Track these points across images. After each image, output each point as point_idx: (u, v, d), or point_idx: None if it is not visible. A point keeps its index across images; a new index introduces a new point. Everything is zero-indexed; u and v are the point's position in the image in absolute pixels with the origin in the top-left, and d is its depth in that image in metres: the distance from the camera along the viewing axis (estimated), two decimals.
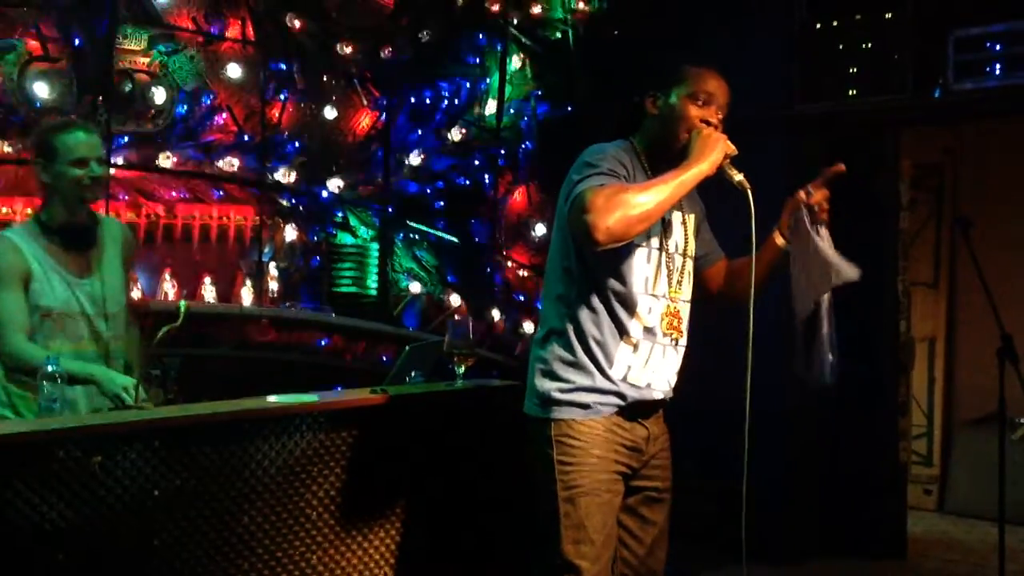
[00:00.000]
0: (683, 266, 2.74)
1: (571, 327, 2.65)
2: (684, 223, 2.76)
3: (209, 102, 5.52)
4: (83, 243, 3.26)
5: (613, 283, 2.61)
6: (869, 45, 5.18)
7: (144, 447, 2.52)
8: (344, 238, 6.06)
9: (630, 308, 2.62)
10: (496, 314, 6.35)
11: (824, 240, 2.75)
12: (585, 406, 2.62)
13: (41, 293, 3.16)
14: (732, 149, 2.58)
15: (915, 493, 6.30)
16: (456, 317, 3.21)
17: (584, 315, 2.63)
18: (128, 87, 5.16)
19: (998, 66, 4.82)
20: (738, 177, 2.60)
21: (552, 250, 2.74)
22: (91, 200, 3.26)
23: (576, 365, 2.63)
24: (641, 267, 2.63)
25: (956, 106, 5.06)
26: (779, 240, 2.78)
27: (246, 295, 5.55)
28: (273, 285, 5.70)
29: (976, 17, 4.88)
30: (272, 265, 5.72)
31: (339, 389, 3.49)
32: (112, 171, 4.90)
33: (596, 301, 2.63)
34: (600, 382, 2.62)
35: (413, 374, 3.41)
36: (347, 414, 2.94)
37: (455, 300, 6.27)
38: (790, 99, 5.38)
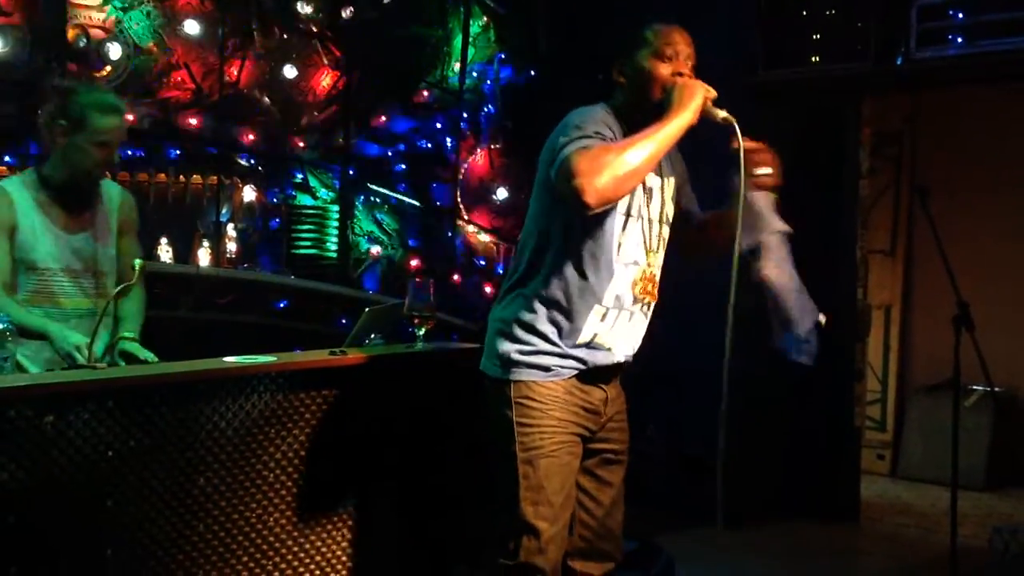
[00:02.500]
0: (660, 231, 2.72)
1: (539, 291, 2.62)
2: (663, 188, 2.73)
3: (166, 59, 5.43)
4: (80, 203, 3.26)
5: (590, 250, 2.58)
6: (833, 12, 5.18)
7: (97, 407, 2.48)
8: (304, 199, 6.01)
9: (604, 276, 2.60)
10: (457, 277, 6.33)
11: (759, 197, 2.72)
12: (546, 368, 2.61)
13: (28, 246, 3.15)
14: (711, 92, 2.56)
15: (868, 458, 6.38)
16: (416, 280, 3.18)
17: (554, 281, 2.61)
18: (83, 43, 5.06)
19: (960, 34, 4.83)
20: (722, 114, 2.57)
21: (530, 212, 2.71)
22: (98, 178, 3.26)
23: (537, 329, 2.61)
24: (618, 234, 2.60)
25: (918, 74, 5.08)
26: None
27: (203, 256, 5.50)
28: (231, 246, 5.65)
29: None
30: (230, 226, 5.66)
31: (298, 351, 3.46)
32: None
33: (569, 267, 2.60)
34: (563, 346, 2.61)
35: (373, 336, 3.38)
36: (305, 376, 2.92)
37: (415, 263, 6.25)
38: (753, 66, 5.38)
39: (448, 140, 6.63)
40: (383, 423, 3.11)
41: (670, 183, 2.77)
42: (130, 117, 5.29)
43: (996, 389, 5.53)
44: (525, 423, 2.60)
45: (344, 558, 3.04)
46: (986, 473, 6.19)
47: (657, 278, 2.73)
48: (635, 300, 2.67)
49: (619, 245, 2.60)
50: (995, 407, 6.15)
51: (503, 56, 6.71)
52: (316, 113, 6.06)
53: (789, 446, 5.58)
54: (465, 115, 6.62)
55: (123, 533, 2.54)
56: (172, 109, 5.48)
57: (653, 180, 2.67)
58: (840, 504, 5.56)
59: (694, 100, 2.51)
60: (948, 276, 4.05)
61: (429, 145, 6.61)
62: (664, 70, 2.60)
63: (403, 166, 6.46)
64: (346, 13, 6.10)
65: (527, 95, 6.54)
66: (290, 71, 5.87)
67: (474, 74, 6.69)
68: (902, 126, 6.68)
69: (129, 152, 5.37)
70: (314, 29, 5.99)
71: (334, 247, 5.99)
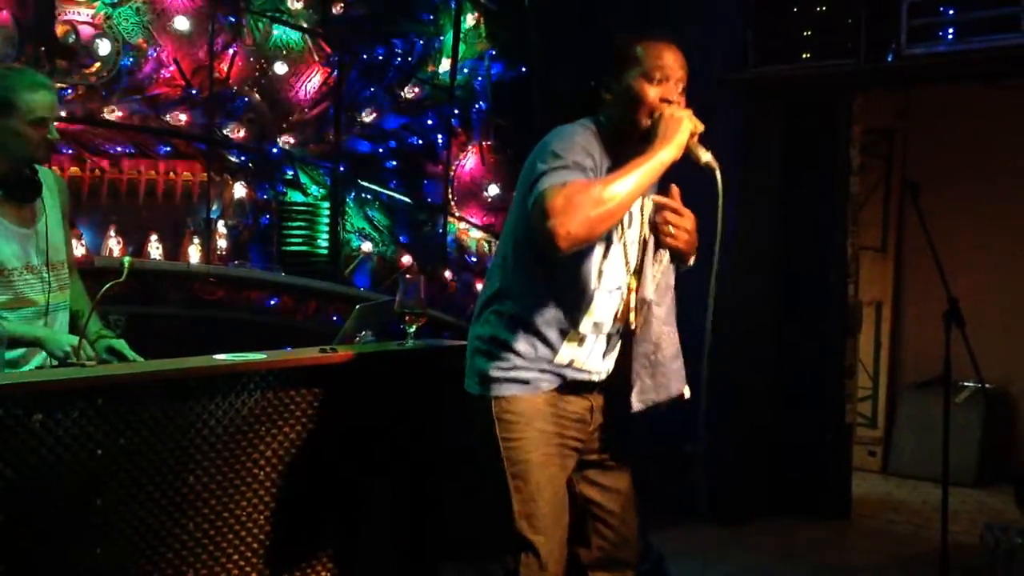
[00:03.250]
0: (643, 254, 2.64)
1: (515, 313, 2.57)
2: (643, 208, 2.63)
3: (156, 55, 5.41)
4: (27, 194, 3.10)
5: (566, 278, 2.52)
6: (823, 8, 5.17)
7: (87, 405, 2.47)
8: (294, 196, 6.00)
9: (583, 305, 2.55)
10: (448, 275, 6.32)
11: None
12: (524, 382, 2.57)
13: None
14: (699, 126, 2.47)
15: (860, 454, 6.39)
16: (407, 277, 3.17)
17: (530, 305, 2.56)
18: (71, 38, 5.04)
19: (951, 31, 4.83)
20: (706, 157, 2.48)
21: (508, 228, 2.64)
22: (41, 161, 3.10)
23: (514, 348, 2.56)
24: (597, 262, 2.53)
25: (908, 71, 5.07)
26: None
27: (194, 253, 5.48)
28: (222, 243, 5.64)
29: None
30: (220, 223, 5.64)
31: (288, 348, 3.45)
32: (56, 124, 4.78)
33: (546, 294, 2.54)
34: (542, 365, 2.57)
35: (363, 333, 3.37)
36: (296, 373, 2.91)
37: (407, 260, 6.24)
38: (745, 62, 5.37)
39: (439, 137, 6.62)
40: (373, 421, 3.10)
41: (649, 201, 2.66)
42: (119, 113, 5.30)
43: (987, 385, 5.55)
44: (509, 438, 2.56)
45: (333, 556, 3.03)
46: (977, 469, 6.20)
47: (643, 301, 2.64)
48: (617, 328, 2.63)
49: (600, 273, 2.55)
50: (986, 403, 6.16)
51: (494, 52, 6.70)
52: (307, 109, 6.05)
53: (780, 443, 5.59)
54: (456, 111, 6.61)
55: (113, 531, 2.53)
56: (162, 105, 5.47)
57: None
58: (831, 500, 5.56)
59: (679, 135, 2.42)
60: (939, 272, 4.05)
61: (420, 142, 6.61)
62: (652, 94, 2.49)
63: (394, 163, 6.46)
64: (336, 9, 6.09)
65: (518, 91, 6.54)
66: (280, 67, 5.85)
67: (465, 70, 6.68)
68: (893, 123, 6.68)
69: (119, 148, 5.36)
70: (304, 25, 5.97)
71: (325, 244, 5.98)
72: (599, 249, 2.52)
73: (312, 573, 2.98)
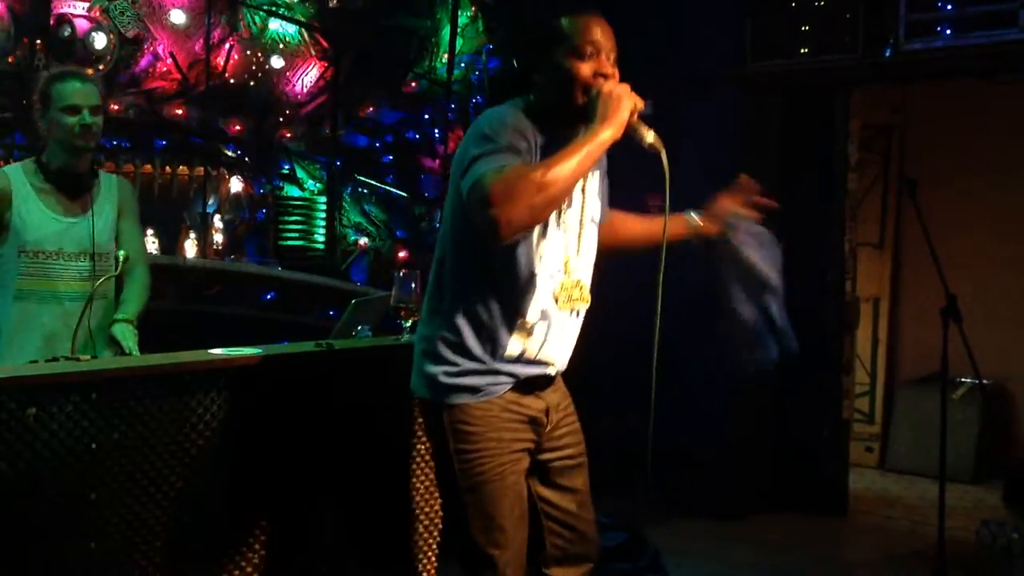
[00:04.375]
0: (582, 233, 2.54)
1: (459, 309, 2.45)
2: (584, 188, 2.53)
3: (151, 49, 5.40)
4: (77, 188, 3.30)
5: (508, 264, 2.41)
6: (821, 3, 5.17)
7: (81, 399, 2.46)
8: (291, 191, 5.99)
9: (526, 291, 2.43)
10: None
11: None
12: (475, 389, 2.44)
13: (20, 228, 3.21)
14: (640, 103, 2.34)
15: (857, 450, 6.39)
16: (403, 272, 3.16)
17: (473, 298, 2.44)
18: (67, 32, 5.03)
19: (948, 26, 4.83)
20: (650, 138, 2.37)
21: (444, 225, 2.53)
22: (84, 148, 3.26)
23: (462, 348, 2.44)
24: (538, 245, 2.42)
25: (906, 66, 5.07)
26: (695, 224, 2.75)
27: (190, 247, 5.47)
28: (218, 237, 5.63)
29: None
30: (217, 217, 5.63)
31: (284, 343, 3.44)
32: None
33: (488, 283, 2.43)
34: (489, 364, 2.45)
35: (360, 328, 3.37)
36: (292, 368, 2.90)
37: (403, 255, 6.23)
38: (743, 57, 5.36)
39: (436, 131, 6.61)
40: (370, 415, 3.09)
41: (594, 178, 2.58)
42: (115, 107, 5.28)
43: (984, 382, 5.54)
44: (464, 449, 2.44)
45: (330, 548, 3.02)
46: (974, 466, 6.20)
47: (585, 282, 2.56)
48: (560, 310, 2.50)
49: (540, 257, 2.43)
50: (983, 400, 6.16)
51: (491, 47, 6.68)
52: (303, 104, 6.04)
53: (777, 438, 5.59)
54: (453, 106, 6.60)
55: (107, 526, 2.52)
56: (158, 99, 5.46)
57: None
58: (828, 496, 5.56)
59: (620, 113, 2.30)
60: (936, 269, 4.05)
61: (417, 136, 6.60)
62: (585, 70, 2.37)
63: (391, 157, 6.45)
64: (333, 3, 6.08)
65: (515, 85, 6.51)
66: (277, 61, 5.84)
67: (462, 65, 6.67)
68: (891, 118, 6.67)
69: (115, 142, 5.34)
70: (301, 19, 5.96)
71: (321, 238, 5.97)
72: (537, 231, 2.40)
73: (312, 566, 2.97)
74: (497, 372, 2.46)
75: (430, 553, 3.26)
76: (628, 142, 2.37)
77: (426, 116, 6.61)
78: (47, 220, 3.24)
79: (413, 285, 3.14)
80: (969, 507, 5.67)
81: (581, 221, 2.53)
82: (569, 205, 2.48)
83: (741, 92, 5.44)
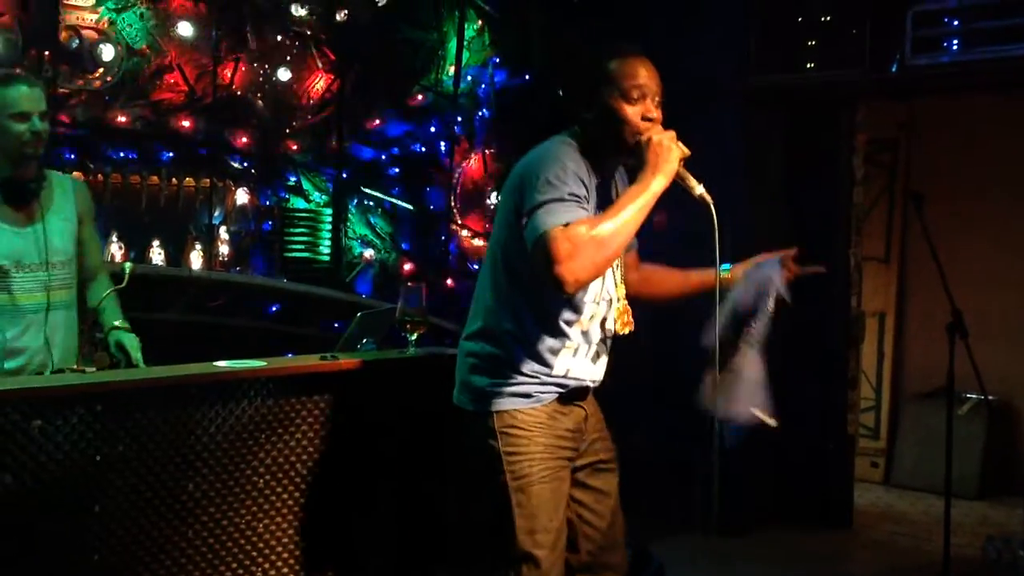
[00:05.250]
0: (620, 262, 2.69)
1: (508, 327, 2.58)
2: None
3: (159, 61, 5.41)
4: (25, 195, 3.17)
5: (558, 296, 2.49)
6: (827, 18, 5.17)
7: (86, 411, 2.46)
8: (297, 202, 5.99)
9: (574, 317, 2.58)
10: (450, 282, 6.31)
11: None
12: (527, 395, 2.57)
13: None
14: (685, 151, 2.46)
15: (862, 465, 6.37)
16: (409, 284, 3.16)
17: (524, 318, 2.57)
18: (75, 43, 5.05)
19: (955, 41, 4.83)
20: (699, 190, 2.48)
21: (497, 240, 2.64)
22: (32, 155, 3.13)
23: (511, 365, 2.58)
24: None
25: (912, 81, 5.07)
26: (725, 278, 2.79)
27: (196, 259, 5.47)
28: (223, 249, 5.63)
29: None
30: (222, 229, 5.64)
31: (289, 355, 3.44)
32: (59, 129, 4.80)
33: (540, 306, 2.56)
34: (540, 377, 2.58)
35: (365, 341, 3.37)
36: (296, 381, 2.90)
37: (409, 268, 6.24)
38: (747, 71, 5.36)
39: (442, 144, 6.61)
40: (374, 429, 3.09)
41: None
42: (123, 118, 5.29)
43: (990, 397, 5.52)
44: (512, 452, 2.55)
45: (333, 564, 3.01)
46: (979, 482, 6.17)
47: (628, 307, 2.71)
48: (604, 335, 2.66)
49: (592, 287, 2.56)
50: (989, 415, 6.13)
51: (498, 60, 6.69)
52: (310, 116, 6.05)
53: (782, 453, 5.56)
54: (459, 119, 6.60)
55: (111, 538, 2.53)
56: (165, 111, 5.46)
57: None
58: (833, 512, 5.54)
59: (669, 164, 2.41)
60: (942, 283, 4.04)
61: (423, 149, 6.60)
62: (633, 114, 2.48)
63: (397, 170, 6.45)
64: (340, 15, 6.09)
65: (522, 98, 6.52)
66: (284, 73, 5.85)
67: (468, 78, 6.67)
68: (897, 133, 6.67)
69: (122, 154, 5.35)
70: (308, 32, 5.97)
71: (327, 251, 5.97)
72: None
73: None
74: (544, 383, 2.59)
75: (434, 565, 3.25)
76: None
77: (432, 129, 6.61)
78: (2, 234, 3.12)
79: (419, 298, 3.14)
80: (974, 523, 5.64)
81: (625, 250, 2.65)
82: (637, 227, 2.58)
83: (746, 106, 5.44)
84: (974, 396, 6.06)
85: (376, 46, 6.28)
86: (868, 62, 5.04)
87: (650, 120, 2.49)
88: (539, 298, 2.55)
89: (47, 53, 4.91)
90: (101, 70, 5.17)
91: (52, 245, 3.19)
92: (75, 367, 3.04)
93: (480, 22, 6.68)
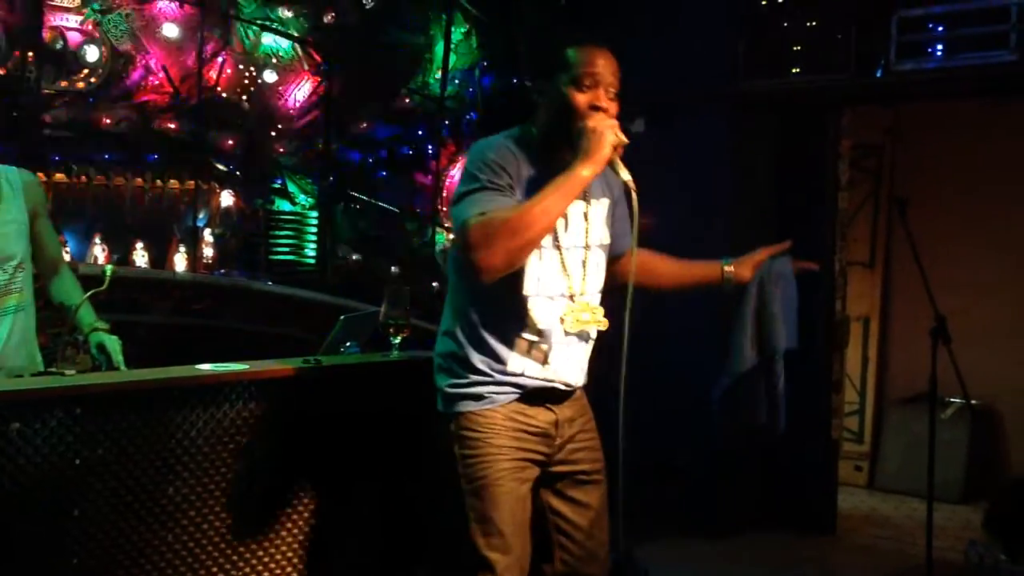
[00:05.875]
0: (585, 259, 2.60)
1: (463, 328, 2.58)
2: (586, 214, 2.60)
3: (144, 62, 5.40)
4: None
5: (502, 287, 2.45)
6: (813, 23, 5.18)
7: (65, 414, 2.44)
8: (282, 205, 5.98)
9: (520, 313, 2.52)
10: (435, 285, 6.31)
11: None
12: (479, 397, 2.55)
13: None
14: (622, 139, 2.41)
15: (846, 469, 6.38)
16: (393, 287, 3.15)
17: (475, 318, 2.55)
18: (59, 44, 5.03)
19: (940, 47, 4.85)
20: (625, 176, 2.43)
21: (452, 244, 2.64)
22: None
23: (468, 364, 2.56)
24: (533, 268, 2.50)
25: (898, 87, 5.09)
26: (728, 271, 2.83)
27: (180, 261, 5.46)
28: (208, 251, 5.61)
29: None
30: (207, 231, 5.62)
31: (273, 358, 3.43)
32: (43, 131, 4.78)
33: (486, 305, 2.53)
34: (496, 376, 2.54)
35: (348, 344, 3.35)
36: (279, 384, 2.88)
37: (394, 270, 6.23)
38: (735, 76, 5.38)
39: (429, 147, 6.61)
40: (357, 431, 3.08)
41: (600, 205, 2.65)
42: (107, 120, 5.28)
43: (973, 402, 5.53)
44: (466, 454, 2.54)
45: (315, 566, 3.00)
46: (963, 486, 6.19)
47: (596, 306, 2.62)
48: (566, 333, 2.57)
49: (538, 279, 2.51)
50: (972, 420, 6.16)
51: (485, 63, 6.69)
52: (296, 119, 6.04)
53: (766, 457, 5.58)
54: (447, 122, 6.60)
55: (90, 542, 2.50)
56: (150, 113, 5.45)
57: (572, 206, 2.50)
58: (817, 515, 5.55)
59: (602, 150, 2.37)
60: (926, 289, 4.05)
61: (410, 152, 6.59)
62: (582, 101, 2.46)
63: (384, 173, 6.44)
64: (327, 18, 6.08)
65: (509, 101, 6.53)
66: (270, 76, 5.84)
67: (456, 81, 6.67)
68: (882, 138, 6.69)
69: (106, 155, 5.33)
70: (295, 34, 5.96)
71: (312, 254, 5.97)
72: (534, 253, 2.47)
73: None
74: (501, 383, 2.55)
75: (414, 567, 3.24)
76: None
77: (419, 132, 6.61)
78: None
79: (403, 300, 3.13)
80: (957, 527, 5.66)
81: (586, 245, 2.60)
82: (567, 229, 2.55)
83: (733, 110, 5.45)
84: (957, 400, 6.08)
85: (363, 49, 6.28)
86: (854, 67, 5.06)
87: (599, 109, 2.45)
88: (485, 295, 2.51)
89: (31, 54, 4.89)
90: (86, 71, 5.15)
91: (2, 246, 3.00)
92: (53, 369, 3.01)
93: (467, 25, 6.68)
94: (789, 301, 2.90)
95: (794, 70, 5.27)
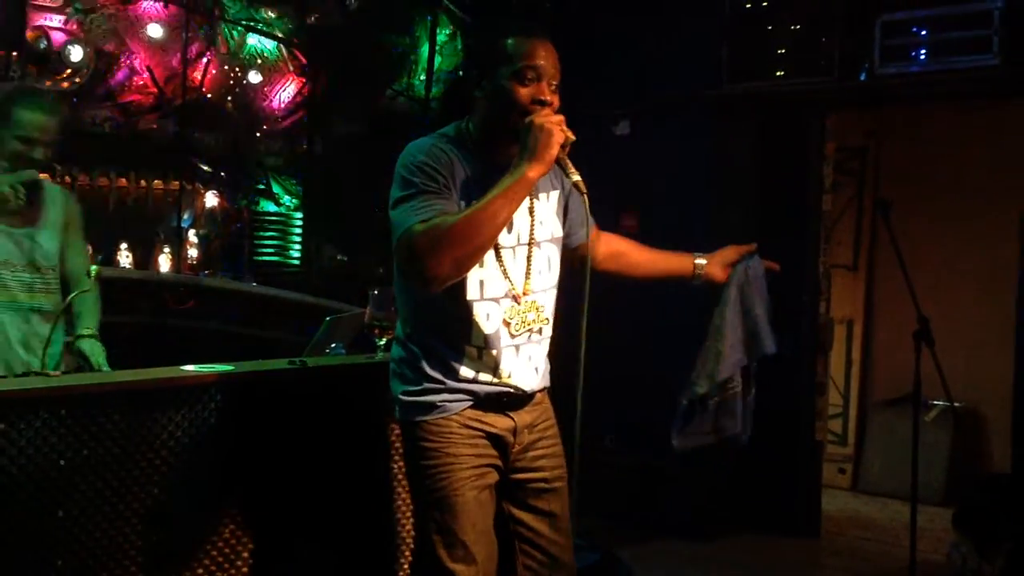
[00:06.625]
0: (530, 255, 2.51)
1: (411, 335, 2.51)
2: (532, 209, 2.51)
3: (128, 62, 5.38)
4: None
5: (444, 294, 2.37)
6: (798, 27, 5.20)
7: (50, 415, 2.43)
8: (267, 206, 5.97)
9: (466, 319, 2.43)
10: None
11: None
12: (432, 406, 2.46)
13: None
14: (569, 135, 2.33)
15: (829, 472, 6.40)
16: (378, 289, 3.14)
17: (422, 324, 2.48)
18: (43, 44, 5.01)
19: (923, 51, 4.87)
20: (575, 177, 2.36)
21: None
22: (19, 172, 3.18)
23: (419, 370, 2.47)
24: (475, 272, 2.40)
25: (881, 90, 5.11)
26: (700, 266, 2.83)
27: (164, 262, 5.44)
28: (192, 252, 5.60)
29: (903, 2, 4.93)
30: (191, 232, 5.61)
31: (257, 359, 3.42)
32: None
33: (431, 311, 2.45)
34: (447, 384, 2.46)
35: (333, 345, 3.35)
36: (264, 385, 2.88)
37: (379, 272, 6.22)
38: (719, 79, 5.39)
39: None
40: (343, 432, 3.07)
41: (549, 200, 2.58)
42: (91, 120, 5.26)
43: (956, 404, 5.57)
44: (424, 465, 2.46)
45: (298, 568, 2.99)
46: (945, 488, 6.22)
47: (543, 304, 2.54)
48: (513, 335, 2.48)
49: (480, 283, 2.43)
50: (955, 422, 6.19)
51: (469, 65, 6.69)
52: (281, 119, 6.03)
53: (750, 459, 5.58)
54: (431, 123, 6.59)
55: (74, 543, 2.49)
56: (134, 113, 5.43)
57: None
58: (801, 518, 5.56)
59: (550, 150, 2.28)
60: (909, 292, 4.07)
61: (395, 153, 6.59)
62: (524, 95, 2.36)
63: (368, 174, 6.43)
64: (312, 19, 6.08)
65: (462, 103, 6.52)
66: (255, 76, 5.83)
67: (440, 82, 6.67)
68: (865, 141, 6.72)
69: (90, 156, 5.32)
70: (279, 35, 5.95)
71: (297, 254, 5.96)
72: None
73: None
74: (454, 390, 2.47)
75: (398, 570, 3.24)
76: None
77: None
78: None
79: (388, 303, 3.12)
80: (940, 529, 5.67)
81: (530, 243, 2.52)
82: (509, 230, 2.46)
83: (717, 113, 5.47)
84: (941, 403, 6.12)
85: (348, 50, 6.27)
86: (838, 70, 5.08)
87: (542, 103, 2.36)
88: (429, 302, 2.44)
89: (15, 54, 4.86)
90: (69, 71, 5.13)
91: (41, 250, 3.27)
92: (40, 370, 3.03)
93: (452, 27, 6.68)
94: (766, 304, 2.91)
95: (778, 73, 5.28)
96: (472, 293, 2.42)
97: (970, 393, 6.14)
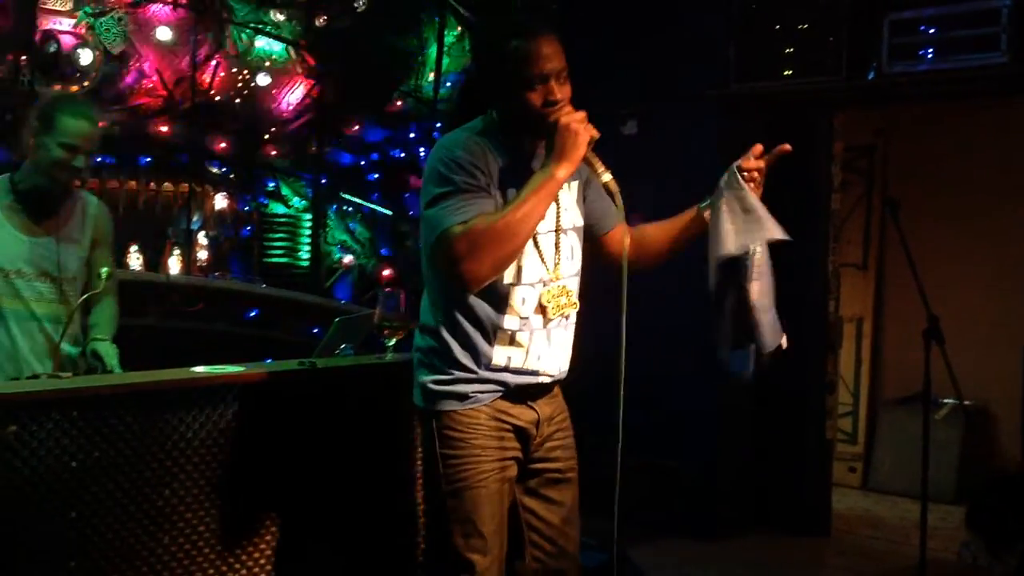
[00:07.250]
0: (558, 242, 2.55)
1: (444, 323, 2.51)
2: (556, 198, 2.52)
3: (138, 65, 5.40)
4: (45, 208, 3.23)
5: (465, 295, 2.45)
6: (805, 26, 5.19)
7: (62, 417, 2.44)
8: (276, 208, 5.99)
9: (501, 304, 2.47)
10: None
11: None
12: (463, 396, 2.49)
13: None
14: (595, 133, 2.38)
15: (840, 470, 6.39)
16: (387, 290, 3.15)
17: (455, 312, 2.49)
18: (52, 48, 5.02)
19: (931, 50, 4.86)
20: (606, 177, 2.41)
21: (422, 240, 2.54)
22: (60, 180, 3.18)
23: (450, 359, 2.50)
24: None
25: (889, 89, 5.10)
26: (702, 205, 2.77)
27: (174, 264, 5.46)
28: (202, 254, 5.62)
29: (911, 0, 4.92)
30: (201, 234, 5.63)
31: (268, 361, 3.43)
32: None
33: (466, 299, 2.47)
34: (478, 373, 2.49)
35: (343, 347, 3.36)
36: (274, 386, 2.89)
37: (388, 273, 6.24)
38: (726, 78, 5.39)
39: (422, 150, 6.61)
40: (352, 433, 3.08)
41: (570, 189, 2.60)
42: (100, 123, 5.27)
43: (966, 402, 5.56)
44: (448, 455, 2.49)
45: (310, 569, 3.00)
46: (956, 486, 6.20)
47: (572, 289, 2.59)
48: (546, 320, 2.53)
49: (512, 270, 2.46)
50: (965, 420, 6.17)
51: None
52: (290, 121, 6.04)
53: (760, 458, 5.59)
54: (439, 124, 6.60)
55: (87, 545, 2.51)
56: (143, 116, 5.45)
57: None
58: (811, 517, 5.56)
59: (578, 150, 2.35)
60: (919, 290, 4.07)
61: (403, 154, 6.60)
62: (534, 100, 2.39)
63: (376, 175, 6.45)
64: (320, 21, 6.09)
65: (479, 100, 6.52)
66: (263, 79, 5.84)
67: (448, 84, 6.67)
68: (874, 140, 6.71)
69: (100, 159, 5.33)
70: (288, 37, 5.97)
71: (306, 256, 5.97)
72: None
73: None
74: (486, 380, 2.51)
75: (415, 568, 3.25)
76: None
77: (412, 135, 6.61)
78: (14, 240, 3.17)
79: (397, 303, 3.13)
80: (951, 528, 5.67)
81: (557, 229, 2.56)
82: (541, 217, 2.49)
83: (725, 112, 5.46)
84: (951, 401, 6.10)
85: (356, 52, 6.28)
86: (845, 70, 5.07)
87: (554, 102, 2.39)
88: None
89: (24, 58, 4.88)
90: (79, 75, 5.14)
91: (64, 261, 3.25)
92: (51, 372, 3.05)
93: (460, 28, 6.69)
94: (770, 291, 2.80)
95: (786, 72, 5.27)
96: (508, 279, 2.47)
97: (980, 391, 6.12)
